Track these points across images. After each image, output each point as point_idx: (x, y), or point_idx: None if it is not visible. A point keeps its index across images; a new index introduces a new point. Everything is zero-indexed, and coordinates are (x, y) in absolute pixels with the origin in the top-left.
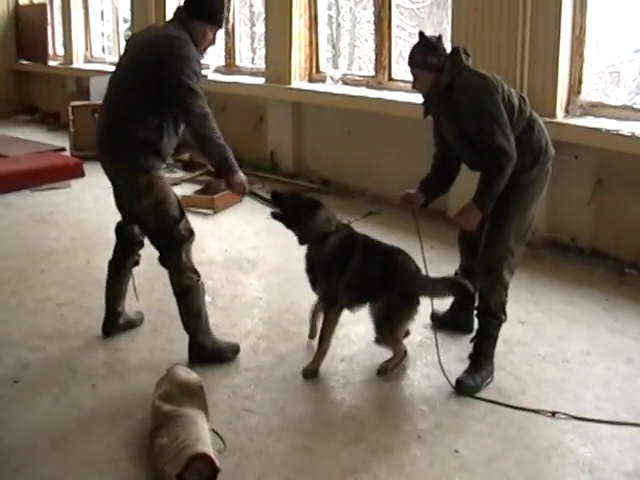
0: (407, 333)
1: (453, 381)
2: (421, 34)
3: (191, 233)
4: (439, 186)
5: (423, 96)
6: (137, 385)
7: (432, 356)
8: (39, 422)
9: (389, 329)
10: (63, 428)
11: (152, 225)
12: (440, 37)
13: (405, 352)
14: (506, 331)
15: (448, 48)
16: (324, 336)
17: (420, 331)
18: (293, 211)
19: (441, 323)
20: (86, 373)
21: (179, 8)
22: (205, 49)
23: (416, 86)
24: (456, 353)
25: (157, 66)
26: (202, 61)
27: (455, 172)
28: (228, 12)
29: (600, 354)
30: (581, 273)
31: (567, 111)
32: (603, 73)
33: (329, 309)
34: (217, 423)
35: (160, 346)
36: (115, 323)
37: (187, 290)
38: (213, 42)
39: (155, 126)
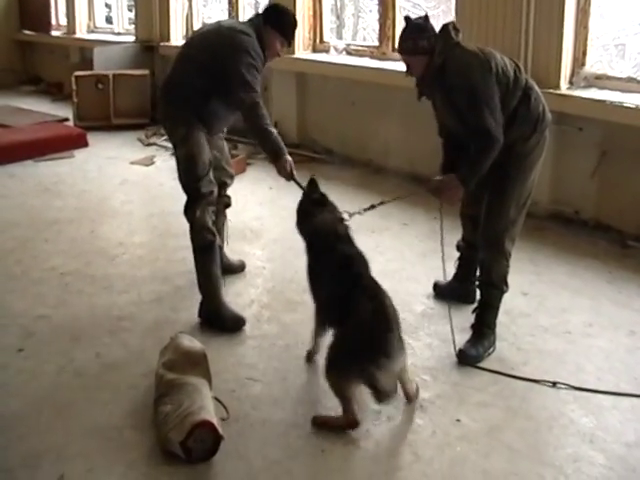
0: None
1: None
2: (407, 18)
3: (211, 194)
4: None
5: (416, 78)
6: (141, 354)
7: (435, 326)
8: (44, 390)
9: (330, 374)
10: (68, 396)
11: (180, 175)
12: (427, 16)
13: (351, 424)
14: (509, 302)
15: (437, 26)
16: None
17: (423, 301)
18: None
19: (443, 293)
20: (90, 342)
21: (257, 14)
22: (270, 58)
23: (410, 72)
24: (458, 324)
25: (220, 53)
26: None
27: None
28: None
29: (602, 326)
30: (584, 245)
31: (571, 83)
32: (608, 45)
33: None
34: (221, 391)
35: (164, 315)
36: None
37: (199, 249)
38: (279, 54)
39: (203, 93)
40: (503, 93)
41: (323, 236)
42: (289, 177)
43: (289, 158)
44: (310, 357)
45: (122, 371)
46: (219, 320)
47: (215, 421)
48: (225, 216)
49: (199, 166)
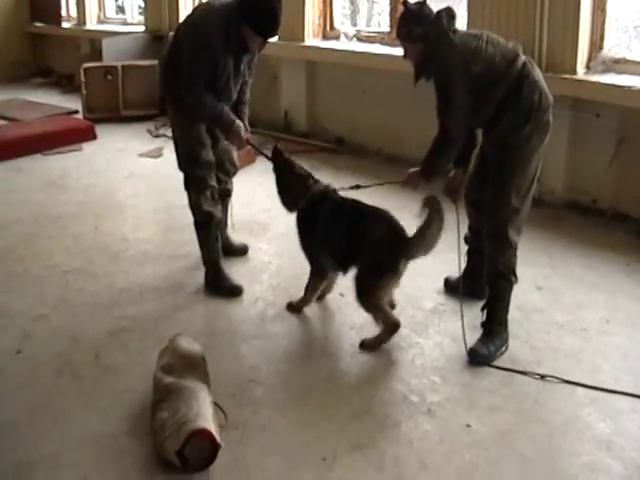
0: (392, 306)
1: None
2: (405, 4)
3: (203, 179)
4: (469, 147)
5: (414, 63)
6: (140, 355)
7: (445, 323)
8: (40, 395)
9: (363, 294)
10: (64, 401)
11: (177, 156)
12: (424, 2)
13: (394, 326)
14: (522, 297)
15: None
16: (305, 295)
17: (433, 297)
18: (279, 175)
19: (455, 289)
20: (89, 343)
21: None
22: (252, 50)
23: (407, 57)
24: (469, 321)
25: (182, 39)
26: None
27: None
28: (279, 24)
29: (620, 322)
30: (601, 236)
31: (588, 67)
32: (627, 28)
33: (310, 270)
34: (220, 395)
35: (165, 314)
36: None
37: (196, 224)
38: (260, 49)
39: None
40: (488, 83)
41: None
42: (241, 145)
43: (240, 124)
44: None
45: (120, 374)
46: (216, 288)
47: (213, 429)
48: (226, 204)
49: (187, 149)
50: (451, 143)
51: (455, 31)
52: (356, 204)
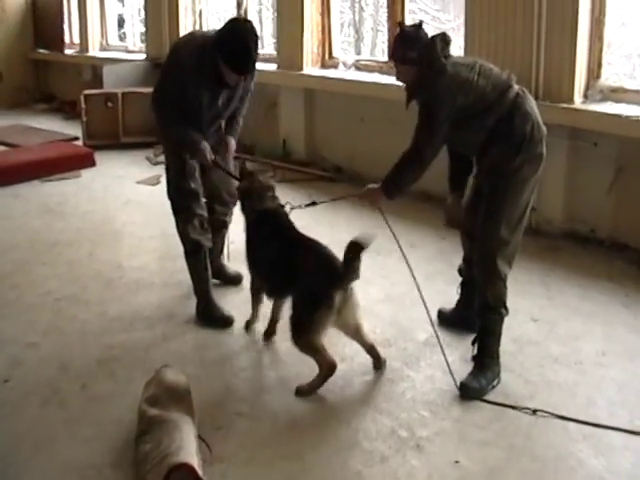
0: (371, 346)
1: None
2: (400, 25)
3: (188, 209)
4: (465, 171)
5: (407, 86)
6: (128, 385)
7: (437, 356)
8: (25, 424)
9: (297, 332)
10: (49, 431)
11: (167, 181)
12: (420, 25)
13: (329, 367)
14: (517, 329)
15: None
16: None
17: (426, 329)
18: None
19: (448, 321)
20: (78, 372)
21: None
22: (230, 84)
23: (400, 79)
24: (463, 354)
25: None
26: None
27: None
28: (254, 60)
29: (617, 354)
30: (600, 266)
31: (586, 96)
32: (631, 55)
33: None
34: (207, 428)
35: (155, 343)
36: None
37: (185, 253)
38: (237, 83)
39: None
40: (476, 112)
41: (265, 215)
42: (211, 165)
43: (207, 146)
44: (248, 326)
45: (107, 404)
46: (207, 318)
47: (195, 463)
48: (222, 235)
49: (174, 176)
50: (422, 163)
51: (447, 57)
52: (293, 233)
